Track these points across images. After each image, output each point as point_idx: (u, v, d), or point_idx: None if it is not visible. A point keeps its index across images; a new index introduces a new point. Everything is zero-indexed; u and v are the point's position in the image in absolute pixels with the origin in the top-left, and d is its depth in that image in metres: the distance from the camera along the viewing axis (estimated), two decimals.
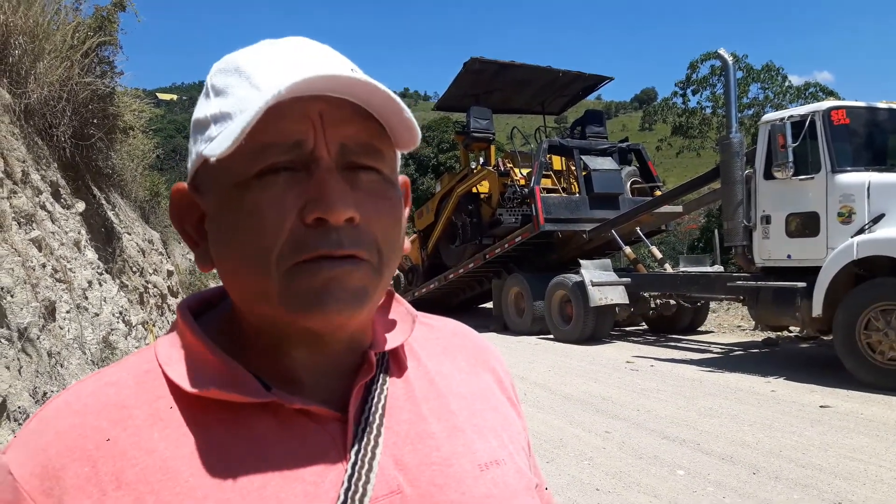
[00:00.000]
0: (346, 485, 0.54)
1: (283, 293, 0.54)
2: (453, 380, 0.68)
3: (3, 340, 2.61)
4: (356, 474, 0.55)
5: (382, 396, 0.61)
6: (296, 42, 0.58)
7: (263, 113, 0.50)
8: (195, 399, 0.55)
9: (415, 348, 0.69)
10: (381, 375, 0.63)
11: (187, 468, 0.52)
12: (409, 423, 0.61)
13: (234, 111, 0.53)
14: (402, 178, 0.64)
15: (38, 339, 3.02)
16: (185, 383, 0.56)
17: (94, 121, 5.50)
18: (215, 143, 0.53)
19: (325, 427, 0.57)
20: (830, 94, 20.53)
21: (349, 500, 0.53)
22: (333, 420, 0.58)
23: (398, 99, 0.54)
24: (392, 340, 0.65)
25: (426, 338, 0.71)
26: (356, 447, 0.56)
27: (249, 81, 0.54)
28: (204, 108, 0.57)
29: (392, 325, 0.67)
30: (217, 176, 0.56)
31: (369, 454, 0.56)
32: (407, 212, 0.65)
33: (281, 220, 0.53)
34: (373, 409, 0.59)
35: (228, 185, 0.55)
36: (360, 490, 0.54)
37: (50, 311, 3.38)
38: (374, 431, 0.58)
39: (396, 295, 0.71)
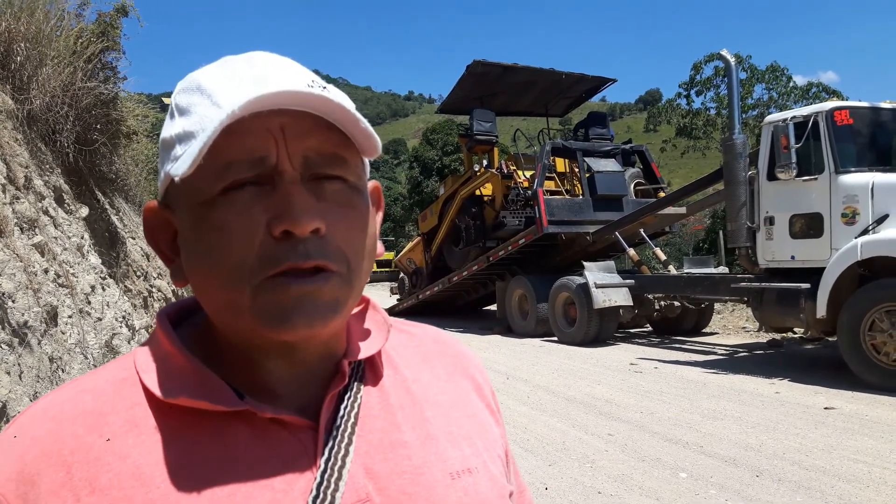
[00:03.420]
0: (314, 492, 0.55)
1: (255, 307, 0.55)
2: (430, 388, 0.68)
3: (3, 345, 2.62)
4: (325, 482, 0.55)
5: (355, 405, 0.62)
6: (256, 57, 0.59)
7: (226, 131, 0.52)
8: (169, 407, 0.56)
9: (392, 357, 0.69)
10: (356, 384, 0.63)
11: (159, 475, 0.53)
12: (382, 432, 0.62)
13: (196, 130, 0.54)
14: (372, 184, 0.65)
15: (39, 343, 3.03)
16: (158, 391, 0.57)
17: (98, 126, 5.51)
18: (179, 163, 0.53)
19: (297, 435, 0.58)
20: (834, 94, 20.47)
21: None
22: (306, 429, 0.59)
23: (353, 110, 0.55)
24: (366, 349, 0.66)
25: (405, 346, 0.72)
26: (326, 455, 0.57)
27: (210, 99, 0.55)
28: (169, 128, 0.58)
29: (368, 333, 0.68)
30: (185, 194, 0.57)
31: (339, 462, 0.57)
32: (380, 216, 0.67)
33: (250, 234, 0.54)
34: (345, 417, 0.60)
35: (196, 203, 0.56)
36: (329, 498, 0.55)
37: (52, 316, 3.39)
38: (345, 440, 0.58)
39: (373, 303, 0.71)
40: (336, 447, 0.58)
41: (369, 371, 0.66)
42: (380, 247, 0.65)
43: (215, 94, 0.55)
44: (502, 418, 0.76)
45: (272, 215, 0.54)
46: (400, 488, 0.58)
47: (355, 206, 0.58)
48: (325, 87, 0.56)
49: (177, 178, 0.54)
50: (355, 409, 0.61)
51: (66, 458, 0.53)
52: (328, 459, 0.57)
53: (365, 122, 0.55)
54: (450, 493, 0.60)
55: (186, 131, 0.55)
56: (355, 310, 0.70)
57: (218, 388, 0.57)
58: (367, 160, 0.62)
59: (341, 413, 0.60)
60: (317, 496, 0.55)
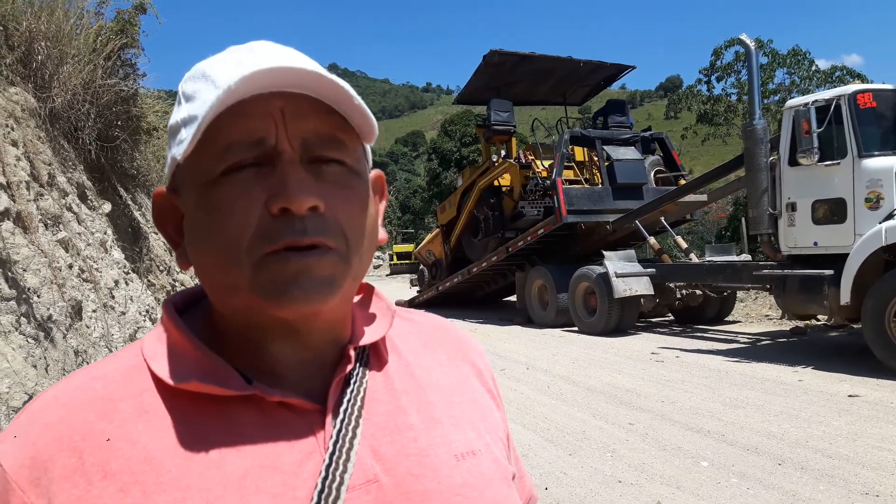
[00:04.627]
0: (323, 473, 0.56)
1: (254, 284, 0.56)
2: (433, 373, 0.70)
3: (30, 339, 2.68)
4: (334, 464, 0.56)
5: (361, 389, 0.63)
6: (258, 45, 0.60)
7: (228, 114, 0.53)
8: (178, 392, 0.57)
9: (396, 343, 0.71)
10: (361, 369, 0.64)
11: (170, 459, 0.54)
12: (387, 415, 0.63)
13: (199, 113, 0.55)
14: (375, 172, 0.67)
15: (64, 337, 3.09)
16: (167, 377, 0.58)
17: (118, 122, 5.59)
18: (182, 145, 0.55)
19: (305, 419, 0.59)
20: (858, 77, 20.06)
21: (326, 489, 0.55)
22: (313, 412, 0.60)
23: (347, 87, 0.56)
24: (371, 335, 0.67)
25: (408, 332, 0.73)
26: (334, 438, 0.58)
27: (213, 84, 0.56)
28: (175, 115, 0.60)
29: (372, 319, 0.69)
30: (189, 177, 0.58)
31: (347, 444, 0.58)
32: (384, 205, 0.68)
33: (248, 212, 0.55)
34: (351, 401, 0.61)
35: (199, 185, 0.57)
36: (338, 479, 0.56)
37: (77, 311, 3.45)
38: (352, 423, 0.60)
39: (377, 290, 0.72)
40: (343, 430, 0.59)
41: (373, 356, 0.67)
42: (382, 233, 0.66)
43: (217, 79, 0.56)
44: (503, 403, 0.77)
45: (270, 194, 0.55)
46: (407, 469, 0.60)
47: (354, 187, 0.59)
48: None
49: (178, 158, 0.56)
50: (361, 393, 0.62)
51: (77, 444, 0.54)
52: (336, 441, 0.58)
53: (359, 100, 0.57)
54: (455, 474, 0.61)
55: (191, 115, 0.57)
56: (359, 297, 0.71)
57: (225, 373, 0.58)
58: (368, 147, 0.63)
59: (348, 397, 0.61)
60: (326, 477, 0.56)
